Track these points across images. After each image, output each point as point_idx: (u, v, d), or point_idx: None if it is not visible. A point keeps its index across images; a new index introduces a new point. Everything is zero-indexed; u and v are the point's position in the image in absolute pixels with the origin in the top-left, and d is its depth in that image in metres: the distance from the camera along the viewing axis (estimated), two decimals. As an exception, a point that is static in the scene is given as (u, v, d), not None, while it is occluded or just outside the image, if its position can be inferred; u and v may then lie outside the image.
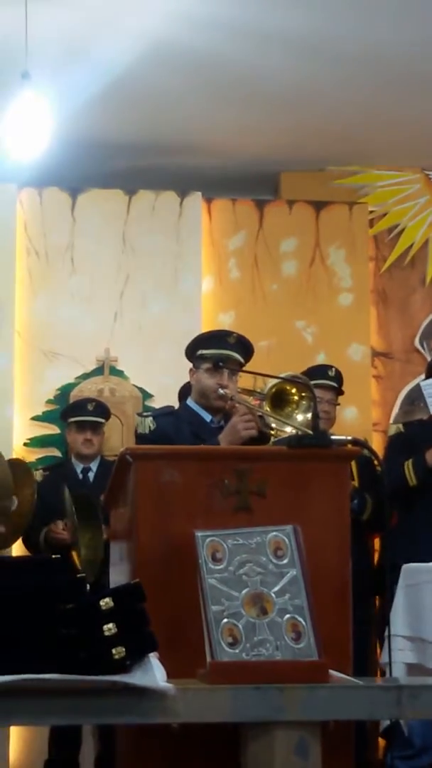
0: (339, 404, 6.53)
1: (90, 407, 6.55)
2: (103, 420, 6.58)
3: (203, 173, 7.58)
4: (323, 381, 6.23)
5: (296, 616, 3.17)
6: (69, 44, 5.99)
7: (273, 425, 4.51)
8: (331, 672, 3.17)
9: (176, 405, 5.34)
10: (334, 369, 6.47)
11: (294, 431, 4.39)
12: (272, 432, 4.51)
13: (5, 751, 6.51)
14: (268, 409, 4.56)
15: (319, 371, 6.31)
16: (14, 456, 6.73)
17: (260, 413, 4.50)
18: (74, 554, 5.91)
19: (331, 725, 3.12)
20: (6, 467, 5.53)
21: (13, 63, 5.81)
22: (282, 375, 4.73)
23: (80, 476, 6.45)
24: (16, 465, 6.29)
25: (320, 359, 7.15)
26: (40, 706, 2.89)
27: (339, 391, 6.45)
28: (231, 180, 7.68)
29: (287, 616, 3.17)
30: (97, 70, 6.18)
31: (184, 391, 5.49)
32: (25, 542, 6.35)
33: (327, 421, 6.01)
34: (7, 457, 6.46)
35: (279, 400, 4.65)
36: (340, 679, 3.19)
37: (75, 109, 6.51)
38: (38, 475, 6.44)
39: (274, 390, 4.65)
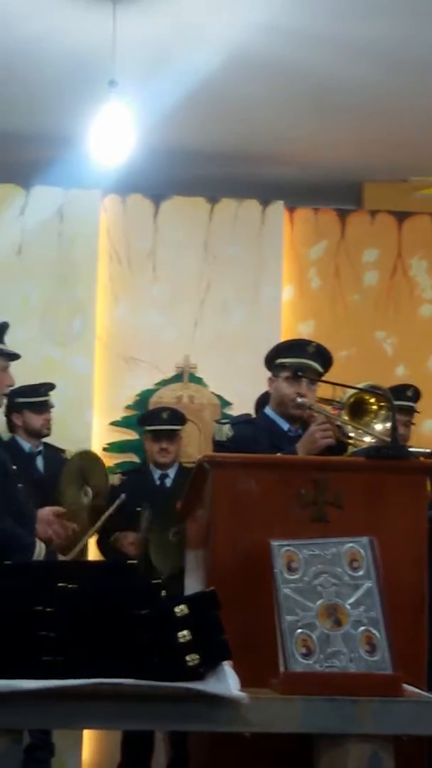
0: (414, 423, 6.45)
1: (164, 416, 6.55)
2: (178, 427, 6.58)
3: (286, 182, 7.58)
4: (401, 402, 6.11)
5: (371, 629, 3.15)
6: (155, 53, 6.03)
7: (351, 434, 4.49)
8: (405, 686, 3.15)
9: (253, 414, 5.33)
10: (412, 388, 6.39)
11: (372, 441, 4.37)
12: (350, 441, 4.49)
13: (78, 754, 6.55)
14: (347, 418, 4.54)
15: (397, 392, 6.22)
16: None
17: (338, 422, 4.48)
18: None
19: (404, 739, 3.09)
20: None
21: (101, 71, 5.87)
22: (361, 385, 4.70)
23: (158, 482, 6.47)
24: (86, 456, 6.33)
25: (400, 370, 7.11)
26: (113, 710, 2.90)
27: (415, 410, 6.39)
28: (314, 189, 7.68)
29: (362, 628, 3.15)
30: (183, 79, 6.21)
31: (261, 402, 5.49)
32: (98, 544, 6.38)
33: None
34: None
35: (357, 410, 4.63)
36: (414, 694, 3.17)
37: (160, 116, 6.55)
38: (116, 479, 6.47)
39: (353, 400, 4.63)
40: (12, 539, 4.11)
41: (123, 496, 6.01)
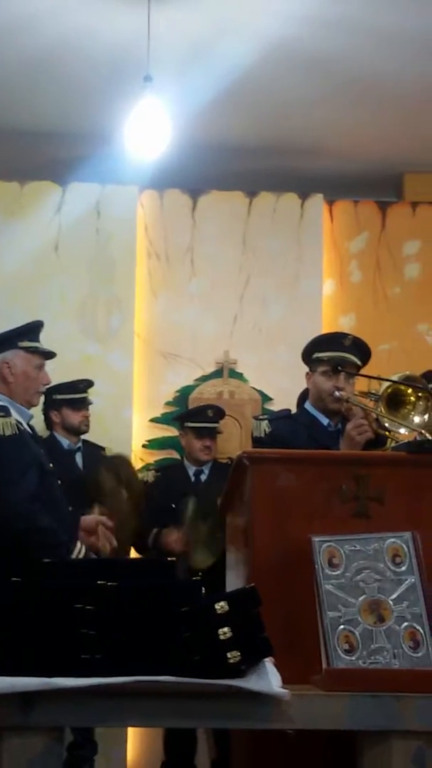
0: None
1: (210, 413, 6.55)
2: (219, 424, 6.58)
3: (325, 175, 7.53)
4: None
5: (414, 625, 3.11)
6: (190, 47, 6.00)
7: (387, 426, 4.45)
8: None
9: (294, 410, 5.30)
10: None
11: (407, 432, 4.33)
12: (389, 433, 4.45)
13: (122, 752, 6.54)
14: (383, 410, 4.49)
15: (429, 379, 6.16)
16: (133, 457, 6.78)
17: (376, 415, 4.44)
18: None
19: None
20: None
21: (136, 67, 5.85)
22: (395, 377, 4.65)
23: (192, 478, 6.45)
24: (118, 460, 6.32)
25: (443, 363, 7.04)
26: (153, 708, 2.88)
27: None
28: (353, 181, 7.63)
29: (405, 624, 3.11)
30: (219, 73, 6.18)
31: (303, 398, 5.46)
32: (134, 544, 6.36)
33: None
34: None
35: (395, 401, 4.58)
36: (459, 690, 3.12)
37: (196, 111, 6.52)
38: (150, 475, 6.47)
39: (389, 391, 4.59)
40: (48, 537, 4.09)
41: None
